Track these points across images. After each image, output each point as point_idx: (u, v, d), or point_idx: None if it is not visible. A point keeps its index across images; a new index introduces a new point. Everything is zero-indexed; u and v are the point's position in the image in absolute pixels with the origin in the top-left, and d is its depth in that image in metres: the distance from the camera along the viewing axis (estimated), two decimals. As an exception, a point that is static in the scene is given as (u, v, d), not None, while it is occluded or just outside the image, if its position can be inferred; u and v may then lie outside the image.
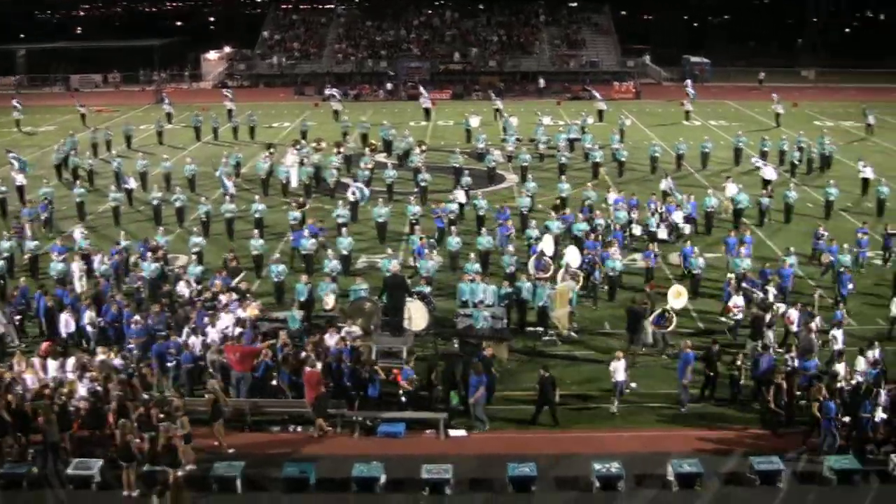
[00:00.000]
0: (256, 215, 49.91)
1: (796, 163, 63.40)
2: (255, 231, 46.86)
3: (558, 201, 50.94)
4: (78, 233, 45.02)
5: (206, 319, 34.42)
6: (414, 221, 47.86)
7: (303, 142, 67.61)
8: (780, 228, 51.53)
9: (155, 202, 52.95)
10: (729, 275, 39.65)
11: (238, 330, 33.96)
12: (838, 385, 29.91)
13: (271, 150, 64.28)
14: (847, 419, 28.93)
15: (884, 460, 27.90)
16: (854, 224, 50.79)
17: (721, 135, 77.72)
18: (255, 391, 31.78)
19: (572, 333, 37.84)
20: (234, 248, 43.92)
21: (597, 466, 26.86)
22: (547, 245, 41.84)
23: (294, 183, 58.84)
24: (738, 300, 36.70)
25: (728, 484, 27.26)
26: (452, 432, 30.25)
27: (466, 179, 55.69)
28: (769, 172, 56.93)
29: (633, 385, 32.21)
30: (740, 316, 36.59)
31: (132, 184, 56.97)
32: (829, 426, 28.27)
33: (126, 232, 47.27)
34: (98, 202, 56.54)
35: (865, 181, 57.90)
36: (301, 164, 59.88)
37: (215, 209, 51.20)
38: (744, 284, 38.43)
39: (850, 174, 61.43)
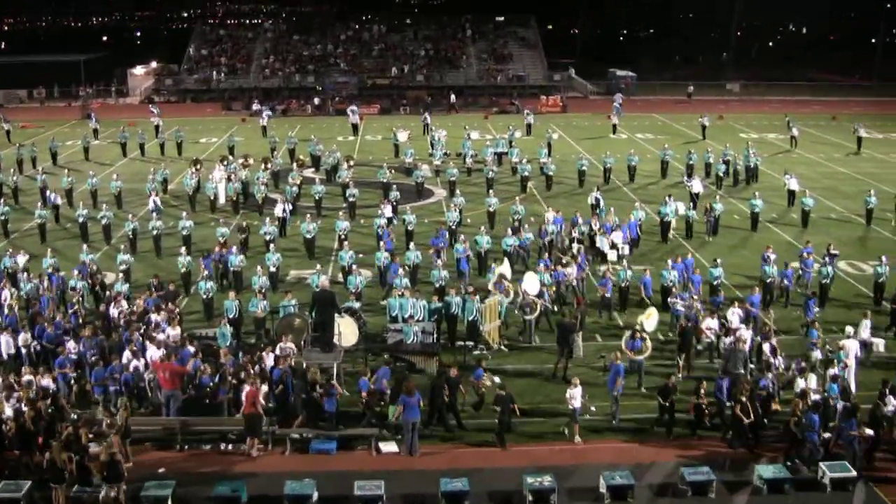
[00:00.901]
0: (184, 232, 49.21)
1: (721, 175, 64.05)
2: (183, 248, 46.41)
3: (516, 223, 49.46)
4: (21, 258, 43.71)
5: (144, 341, 33.97)
6: (343, 237, 47.66)
7: (230, 157, 67.45)
8: (706, 241, 51.93)
9: (81, 219, 52.21)
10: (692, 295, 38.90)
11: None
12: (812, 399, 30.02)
13: (198, 165, 63.63)
14: (827, 435, 29.17)
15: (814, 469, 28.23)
16: (780, 236, 51.96)
17: (647, 147, 78.34)
18: (190, 409, 31.50)
19: (503, 347, 37.93)
20: (160, 276, 41.90)
21: (529, 480, 26.85)
22: (505, 268, 41.46)
23: (221, 199, 58.75)
24: (711, 322, 36.21)
25: (660, 495, 27.39)
26: (384, 448, 30.15)
27: (394, 194, 55.57)
28: (696, 185, 57.73)
29: (593, 409, 32.00)
30: (713, 338, 36.18)
31: (58, 200, 56.54)
32: (812, 437, 28.49)
33: (53, 249, 46.11)
34: (23, 220, 55.96)
35: (791, 193, 58.56)
36: (228, 179, 59.67)
37: (142, 226, 50.76)
38: (671, 299, 38.74)
39: (774, 186, 62.42)
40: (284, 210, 52.93)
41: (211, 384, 31.61)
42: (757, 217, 54.15)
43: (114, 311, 37.12)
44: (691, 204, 54.56)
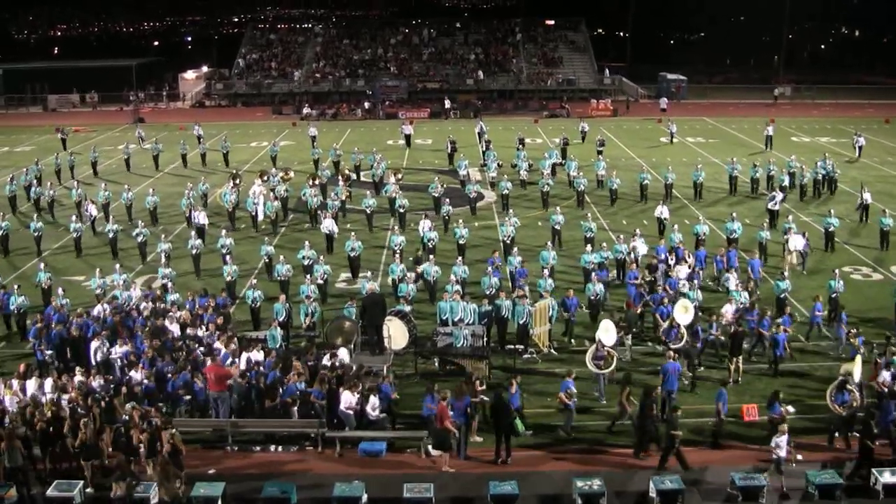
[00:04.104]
0: (223, 251, 47.37)
1: (785, 187, 60.40)
2: (228, 257, 45.90)
3: (654, 261, 44.03)
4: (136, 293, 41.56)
5: (225, 351, 33.90)
6: (398, 252, 45.75)
7: (273, 170, 65.75)
8: (782, 259, 48.29)
9: (111, 234, 51.10)
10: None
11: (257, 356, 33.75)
12: None
13: (237, 180, 62.02)
14: None
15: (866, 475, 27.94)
16: (858, 258, 49.77)
17: (699, 152, 78.05)
18: (248, 412, 31.76)
19: (552, 351, 37.81)
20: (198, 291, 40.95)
21: (578, 484, 26.74)
22: (681, 315, 36.45)
23: (260, 216, 56.45)
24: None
25: (710, 500, 27.18)
26: (433, 451, 30.12)
27: (447, 209, 54.37)
28: (774, 203, 54.47)
29: (800, 457, 28.98)
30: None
31: (93, 211, 55.58)
32: None
33: (100, 269, 43.77)
34: (56, 235, 55.10)
35: (865, 207, 56.10)
36: (273, 192, 58.30)
37: (178, 244, 49.92)
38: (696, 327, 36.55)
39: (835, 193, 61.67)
40: (327, 228, 50.99)
41: (298, 390, 31.55)
42: (832, 236, 50.47)
43: (169, 325, 36.69)
44: (767, 223, 51.45)
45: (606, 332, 34.75)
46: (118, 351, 34.29)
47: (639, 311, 38.84)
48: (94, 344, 34.68)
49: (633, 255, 45.34)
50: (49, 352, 35.84)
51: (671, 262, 43.15)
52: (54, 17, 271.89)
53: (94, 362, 34.32)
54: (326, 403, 31.16)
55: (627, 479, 28.20)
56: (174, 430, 27.61)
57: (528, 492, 27.16)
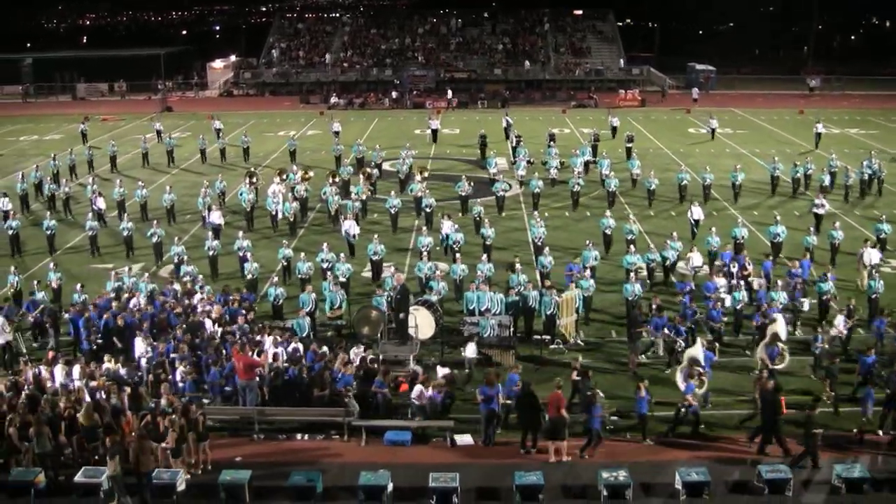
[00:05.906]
0: (240, 253, 45.18)
1: (826, 186, 58.64)
2: (249, 254, 44.76)
3: (747, 272, 41.44)
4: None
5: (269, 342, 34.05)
6: (426, 252, 44.33)
7: (293, 167, 62.68)
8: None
9: (126, 233, 49.22)
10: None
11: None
12: None
13: (254, 178, 58.94)
14: None
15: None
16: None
17: (727, 143, 77.69)
18: (282, 399, 31.77)
19: (579, 342, 37.75)
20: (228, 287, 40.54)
21: (604, 475, 26.68)
22: (780, 327, 34.34)
23: (279, 216, 54.29)
24: None
25: (736, 492, 27.08)
26: (459, 440, 30.15)
27: (478, 209, 52.33)
28: (821, 208, 51.50)
29: None
30: None
31: (101, 204, 54.94)
32: None
33: (114, 272, 42.91)
34: (70, 232, 53.86)
35: None
36: (292, 192, 55.90)
37: (196, 244, 48.74)
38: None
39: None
40: (346, 232, 49.07)
41: (354, 381, 31.63)
42: (884, 243, 47.10)
43: (205, 321, 36.42)
44: (814, 228, 48.56)
45: (699, 350, 32.17)
46: (144, 349, 34.12)
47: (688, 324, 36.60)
48: (139, 336, 34.62)
49: (690, 265, 43.79)
50: (100, 341, 35.79)
51: (734, 270, 41.22)
52: (83, 7, 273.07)
53: (137, 353, 34.38)
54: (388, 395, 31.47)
55: (653, 470, 28.11)
56: (174, 416, 27.99)
57: (553, 482, 27.14)
